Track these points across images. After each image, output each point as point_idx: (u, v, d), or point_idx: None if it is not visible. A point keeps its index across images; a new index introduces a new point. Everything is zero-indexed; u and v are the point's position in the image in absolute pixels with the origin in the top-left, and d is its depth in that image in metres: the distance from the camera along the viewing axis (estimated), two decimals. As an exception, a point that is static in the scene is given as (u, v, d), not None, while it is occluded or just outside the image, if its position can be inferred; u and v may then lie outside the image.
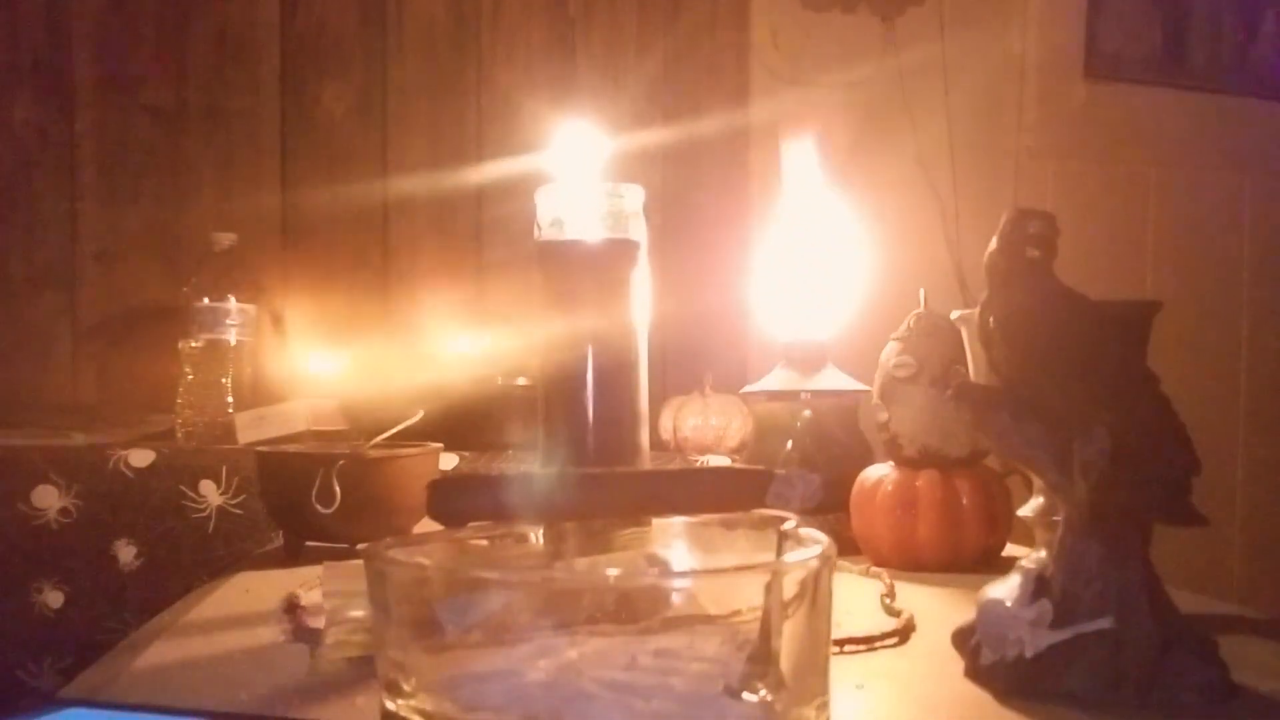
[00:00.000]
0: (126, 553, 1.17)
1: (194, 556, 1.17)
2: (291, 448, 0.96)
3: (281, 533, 0.90)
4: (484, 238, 1.72)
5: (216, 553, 1.16)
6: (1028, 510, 0.70)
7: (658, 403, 1.20)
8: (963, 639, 0.53)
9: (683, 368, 1.38)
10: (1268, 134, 2.07)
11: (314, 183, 1.68)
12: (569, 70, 1.76)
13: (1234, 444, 2.04)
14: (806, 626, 0.40)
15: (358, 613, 0.55)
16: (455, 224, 1.72)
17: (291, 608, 0.64)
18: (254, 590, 0.73)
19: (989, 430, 0.52)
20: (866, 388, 0.91)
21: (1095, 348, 0.50)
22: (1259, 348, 2.08)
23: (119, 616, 1.15)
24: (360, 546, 0.71)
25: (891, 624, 0.61)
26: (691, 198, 1.73)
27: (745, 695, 0.38)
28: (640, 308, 0.69)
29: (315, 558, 0.79)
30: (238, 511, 1.18)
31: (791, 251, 0.99)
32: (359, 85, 1.71)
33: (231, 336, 1.39)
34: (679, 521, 0.54)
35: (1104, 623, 0.48)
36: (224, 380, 1.37)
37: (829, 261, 0.98)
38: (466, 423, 1.27)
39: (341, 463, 0.82)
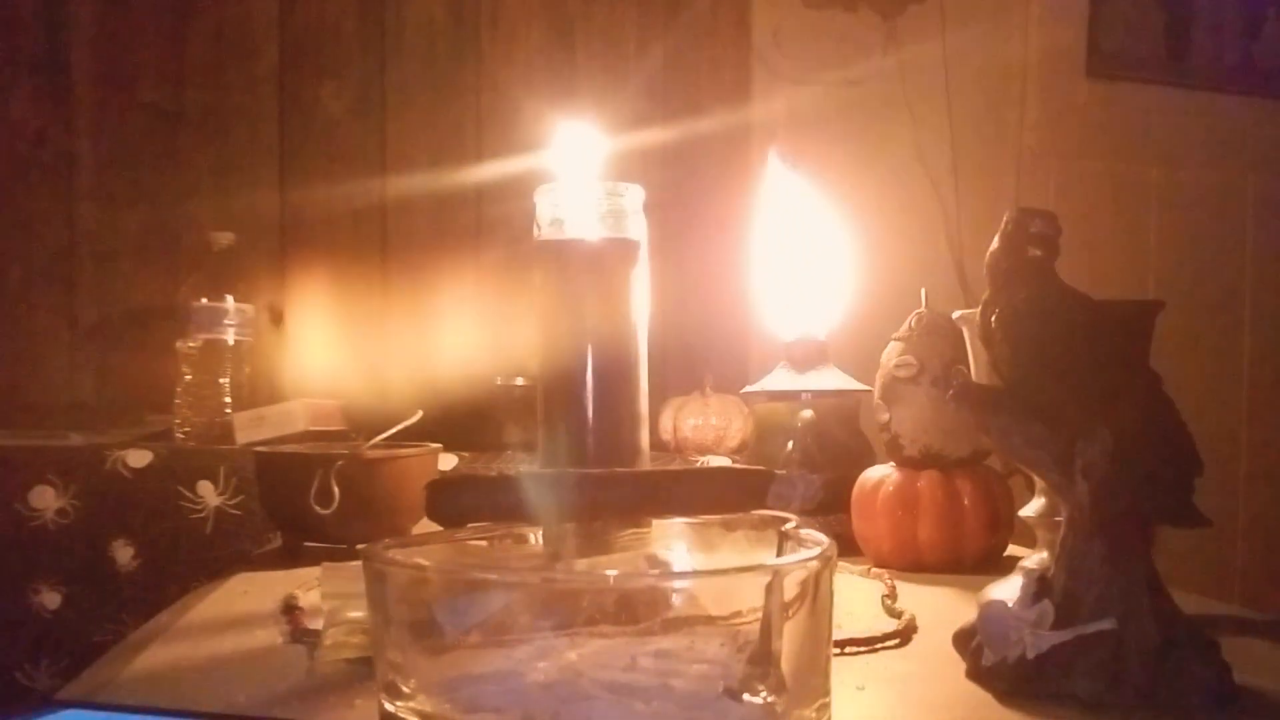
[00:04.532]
0: (124, 553, 1.17)
1: (192, 557, 1.16)
2: (290, 448, 0.96)
3: (280, 533, 0.89)
4: (484, 237, 1.72)
5: (214, 553, 1.16)
6: (1029, 511, 0.70)
7: (658, 403, 1.20)
8: (964, 640, 0.52)
9: (683, 368, 1.38)
10: (1270, 133, 2.07)
11: (313, 182, 1.67)
12: (569, 70, 1.76)
13: (1237, 444, 2.04)
14: (807, 628, 0.40)
15: (356, 614, 0.55)
16: (455, 223, 1.72)
17: (290, 609, 0.63)
18: (252, 591, 0.73)
19: (990, 430, 0.52)
20: (867, 388, 0.91)
21: (1097, 348, 0.50)
22: (1261, 347, 2.08)
23: (117, 617, 1.15)
24: (359, 547, 0.71)
25: (893, 625, 0.61)
26: (691, 198, 1.73)
27: (746, 697, 0.38)
28: (640, 308, 0.69)
29: (314, 558, 0.79)
30: (236, 512, 1.18)
31: (792, 251, 0.99)
32: (358, 84, 1.71)
33: (229, 336, 1.39)
34: (679, 522, 0.54)
35: (1106, 624, 0.48)
36: (222, 380, 1.37)
37: (829, 260, 0.98)
38: (466, 423, 1.27)
39: (340, 463, 0.82)
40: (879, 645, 0.58)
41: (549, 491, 0.57)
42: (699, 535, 0.53)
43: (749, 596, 0.38)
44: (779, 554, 0.46)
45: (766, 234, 1.01)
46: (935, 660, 0.55)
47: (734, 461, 1.16)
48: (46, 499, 1.17)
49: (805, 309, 0.98)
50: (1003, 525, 0.82)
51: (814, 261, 0.98)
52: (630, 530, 0.54)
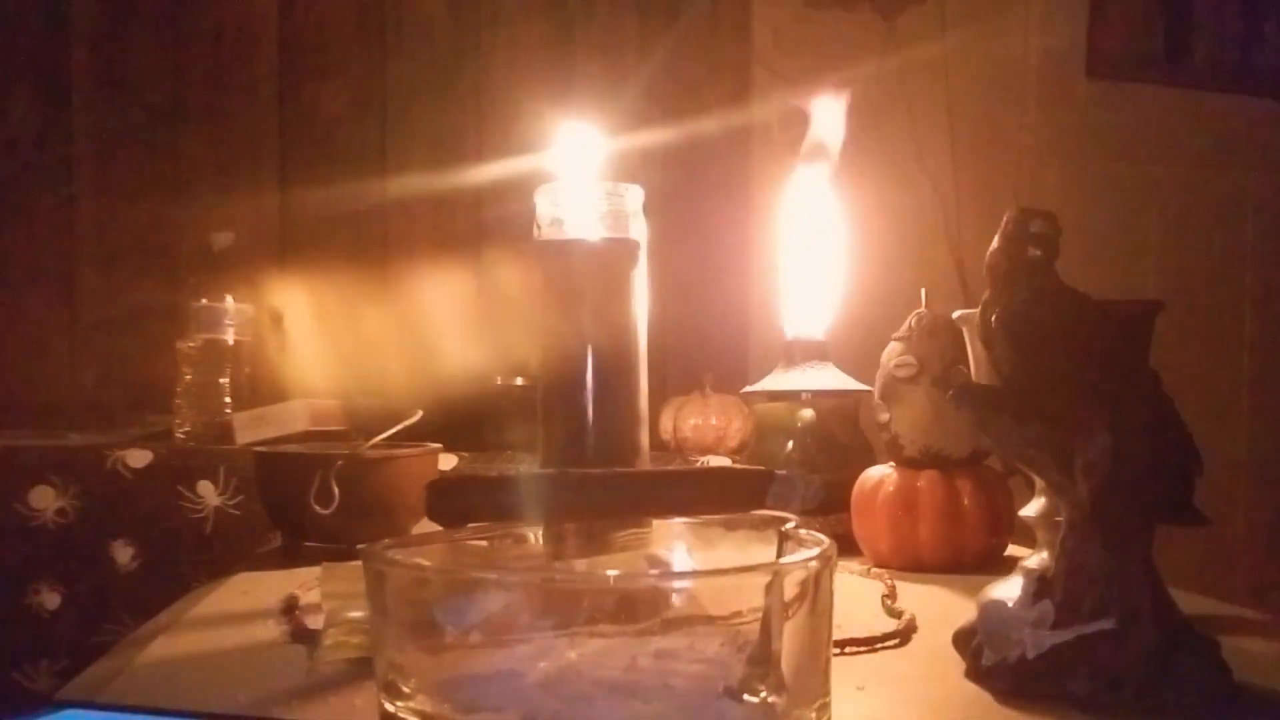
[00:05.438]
0: (124, 553, 1.17)
1: (192, 557, 1.17)
2: (290, 448, 0.95)
3: (280, 533, 0.89)
4: (484, 237, 1.72)
5: (214, 553, 1.16)
6: (1029, 511, 0.70)
7: (658, 403, 1.20)
8: (964, 640, 0.52)
9: (683, 368, 1.38)
10: (1270, 133, 2.07)
11: (312, 182, 1.67)
12: (569, 70, 1.76)
13: (1237, 444, 2.04)
14: (807, 628, 0.39)
15: (356, 614, 0.55)
16: (455, 224, 1.72)
17: (290, 608, 0.63)
18: (252, 591, 0.73)
19: (990, 431, 0.52)
20: (867, 388, 0.91)
21: (1097, 347, 0.50)
22: (1261, 347, 2.08)
23: (116, 618, 1.15)
24: (359, 547, 0.71)
25: (892, 625, 0.61)
26: (691, 198, 1.73)
27: (746, 697, 0.38)
28: (640, 308, 0.69)
29: (314, 558, 0.79)
30: (236, 512, 1.18)
31: (792, 250, 0.99)
32: (357, 84, 1.71)
33: (229, 336, 1.39)
34: (679, 522, 0.54)
35: (1106, 624, 0.48)
36: (222, 380, 1.37)
37: (829, 260, 0.98)
38: (466, 423, 1.27)
39: (340, 463, 0.82)
40: (879, 645, 0.58)
41: (549, 491, 0.57)
42: (699, 535, 0.53)
43: (749, 596, 0.38)
44: (779, 554, 0.46)
45: (769, 232, 1.01)
46: (935, 660, 0.55)
47: (734, 461, 1.16)
48: (46, 499, 1.17)
49: (805, 309, 0.98)
50: (1003, 525, 0.82)
51: (815, 261, 0.98)
52: (630, 530, 0.54)
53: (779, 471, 0.91)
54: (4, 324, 1.60)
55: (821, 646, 0.41)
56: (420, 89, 1.72)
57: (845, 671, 0.52)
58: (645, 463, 0.69)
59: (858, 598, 0.69)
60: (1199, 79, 2.05)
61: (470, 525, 0.53)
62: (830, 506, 0.88)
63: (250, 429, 1.27)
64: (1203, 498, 0.49)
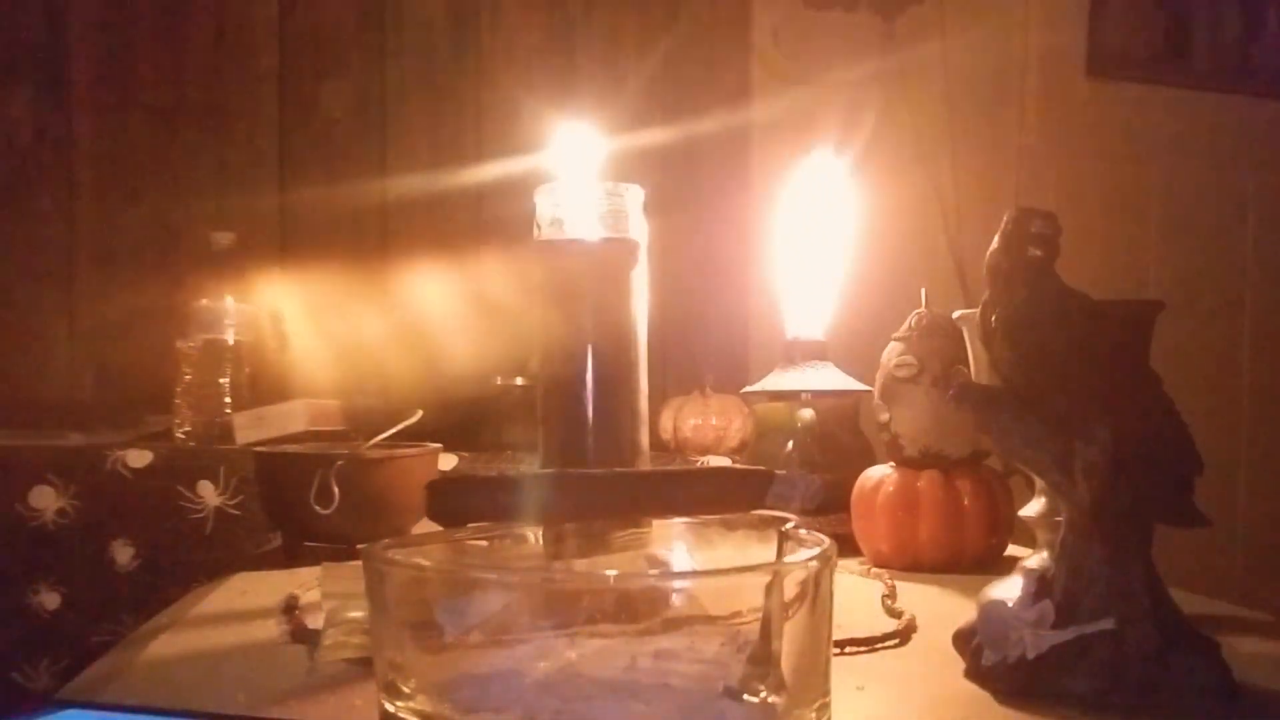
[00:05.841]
0: (124, 554, 1.17)
1: (192, 557, 1.16)
2: (290, 448, 0.95)
3: (280, 533, 0.89)
4: (484, 237, 1.72)
5: (214, 553, 1.16)
6: (1029, 511, 0.70)
7: (658, 403, 1.20)
8: (964, 640, 0.52)
9: (683, 368, 1.38)
10: (1270, 133, 2.07)
11: (312, 182, 1.67)
12: (569, 70, 1.76)
13: (1236, 444, 2.04)
14: (807, 627, 0.40)
15: (356, 614, 0.55)
16: (455, 223, 1.72)
17: (290, 608, 0.63)
18: (252, 591, 0.73)
19: (990, 431, 0.52)
20: (867, 388, 0.91)
21: (1097, 348, 0.50)
22: (1261, 348, 2.08)
23: (116, 618, 1.15)
24: (359, 547, 0.71)
25: (892, 625, 0.61)
26: (691, 198, 1.73)
27: (745, 697, 0.38)
28: (640, 308, 0.69)
29: (314, 558, 0.79)
30: (236, 512, 1.18)
31: (792, 250, 0.99)
32: (358, 84, 1.71)
33: (229, 336, 1.39)
34: (679, 522, 0.54)
35: (1106, 623, 0.48)
36: (222, 380, 1.37)
37: (830, 260, 0.98)
38: (466, 423, 1.27)
39: (340, 463, 0.82)
40: (879, 645, 0.58)
41: (549, 491, 0.57)
42: (699, 535, 0.53)
43: (749, 596, 0.38)
44: (779, 554, 0.46)
45: (769, 233, 1.01)
46: (935, 660, 0.55)
47: (734, 461, 1.16)
48: (46, 499, 1.16)
49: (805, 308, 0.98)
50: (1003, 525, 0.82)
51: (815, 261, 0.98)
52: (630, 530, 0.54)
53: (779, 471, 0.92)
54: (4, 324, 1.60)
55: (821, 646, 0.41)
56: (420, 89, 1.72)
57: (845, 671, 0.52)
58: (645, 463, 0.69)
59: (858, 598, 0.69)
60: (1199, 79, 2.05)
61: (470, 525, 0.53)
62: (830, 506, 0.88)
63: (250, 429, 1.27)
64: (1202, 498, 0.49)
